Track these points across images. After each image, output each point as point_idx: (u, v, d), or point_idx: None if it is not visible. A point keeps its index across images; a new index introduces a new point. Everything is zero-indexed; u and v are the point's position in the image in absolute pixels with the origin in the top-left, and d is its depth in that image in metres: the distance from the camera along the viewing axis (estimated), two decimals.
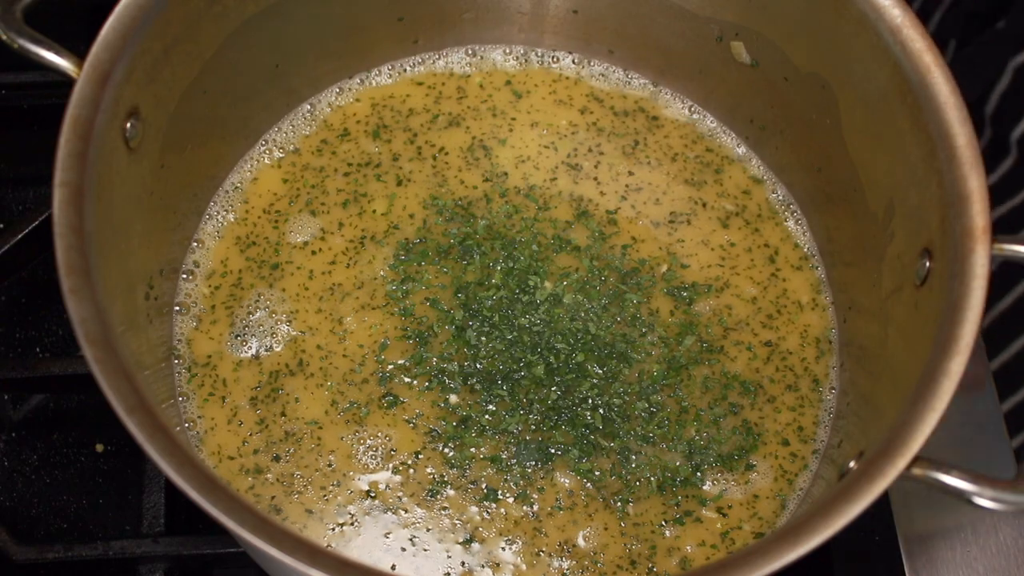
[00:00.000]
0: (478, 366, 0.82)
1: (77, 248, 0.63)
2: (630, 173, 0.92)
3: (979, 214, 0.67)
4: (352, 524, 0.78)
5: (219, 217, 0.88)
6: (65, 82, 0.68)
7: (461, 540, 0.77)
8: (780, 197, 0.92)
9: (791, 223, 0.91)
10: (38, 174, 0.99)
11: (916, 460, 0.61)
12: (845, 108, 0.81)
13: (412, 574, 0.76)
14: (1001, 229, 0.80)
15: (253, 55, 0.83)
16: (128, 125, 0.71)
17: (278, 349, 0.83)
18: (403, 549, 0.77)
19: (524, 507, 0.79)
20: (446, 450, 0.80)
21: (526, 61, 0.97)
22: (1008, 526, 0.86)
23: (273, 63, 0.86)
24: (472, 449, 0.80)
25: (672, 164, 0.93)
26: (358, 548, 0.77)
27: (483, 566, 0.77)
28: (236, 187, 0.89)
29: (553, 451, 0.80)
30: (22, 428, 0.92)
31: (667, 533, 0.79)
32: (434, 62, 0.96)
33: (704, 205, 0.91)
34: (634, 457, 0.80)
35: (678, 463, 0.81)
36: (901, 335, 0.74)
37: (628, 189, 0.91)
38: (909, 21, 0.73)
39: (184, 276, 0.85)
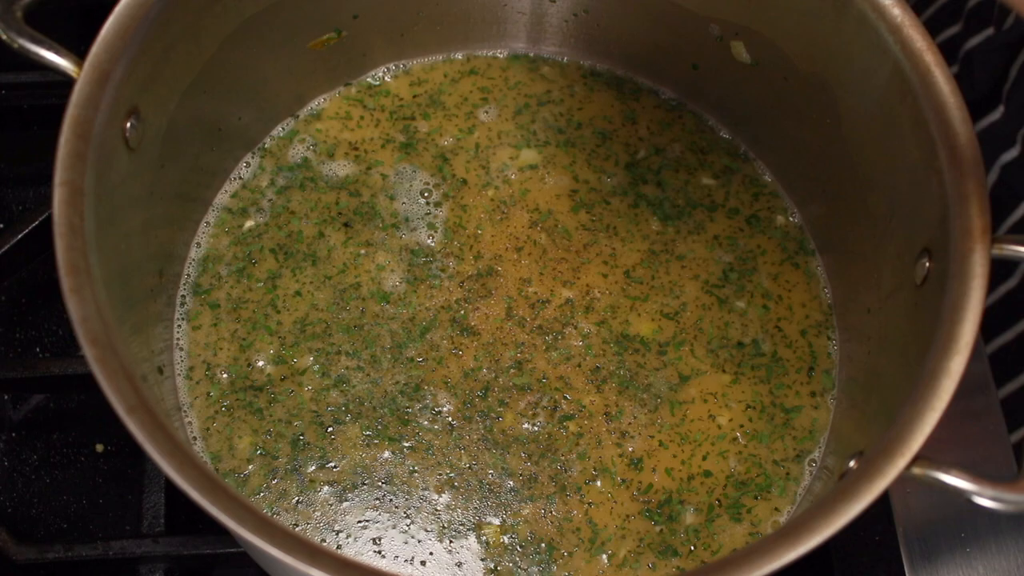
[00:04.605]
0: None
1: (77, 248, 0.63)
2: None
3: (979, 214, 0.67)
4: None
5: (220, 217, 0.88)
6: (65, 82, 0.68)
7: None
8: (780, 197, 0.92)
9: (791, 223, 0.91)
10: (38, 174, 0.99)
11: (916, 459, 0.61)
12: (845, 108, 0.81)
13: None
14: None
15: (253, 55, 0.83)
16: (128, 125, 0.71)
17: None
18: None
19: None
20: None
21: None
22: (1008, 526, 0.86)
23: (273, 63, 0.86)
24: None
25: None
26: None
27: None
28: (237, 188, 0.89)
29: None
30: (22, 428, 0.92)
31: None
32: (432, 65, 0.96)
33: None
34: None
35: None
36: (901, 335, 0.74)
37: None
38: (909, 21, 0.73)
39: (185, 276, 0.85)
